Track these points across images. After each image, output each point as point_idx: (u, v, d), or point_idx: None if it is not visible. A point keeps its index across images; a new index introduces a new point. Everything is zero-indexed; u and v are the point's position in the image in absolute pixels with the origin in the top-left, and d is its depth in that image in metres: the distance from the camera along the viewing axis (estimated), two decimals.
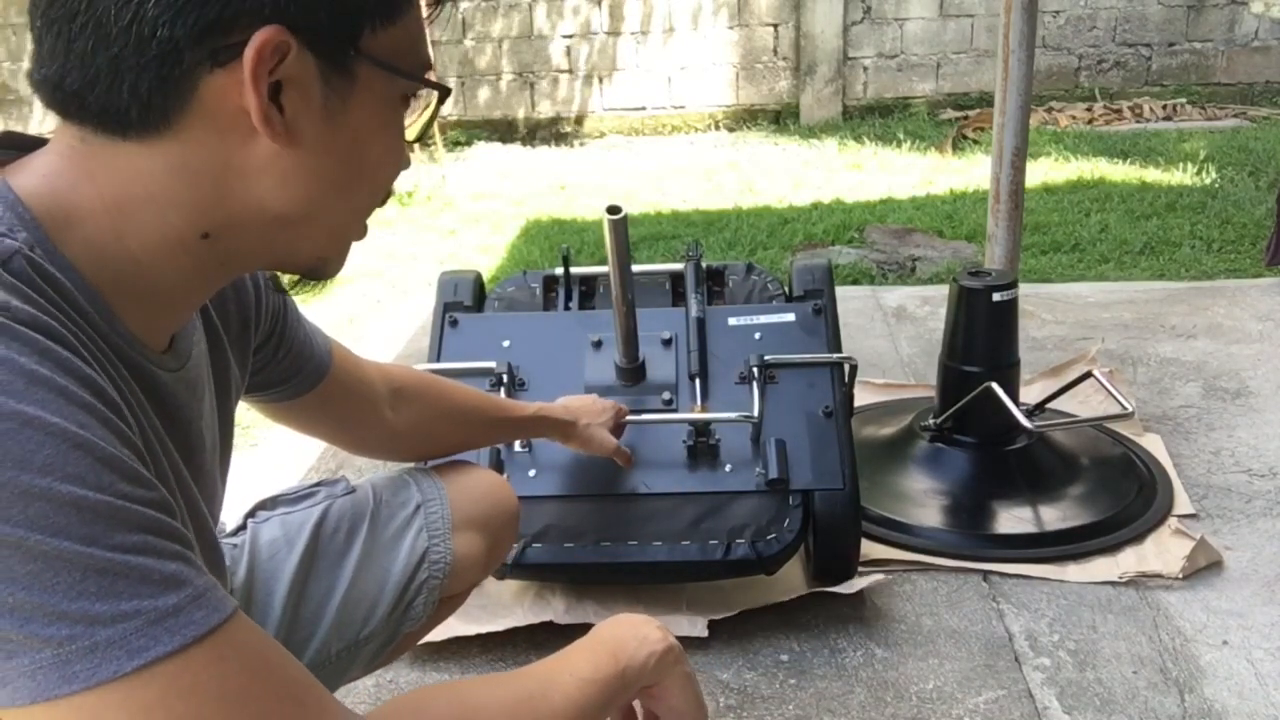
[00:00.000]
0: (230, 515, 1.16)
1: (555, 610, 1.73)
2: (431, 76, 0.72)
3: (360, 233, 0.77)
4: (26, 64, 0.71)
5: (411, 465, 1.32)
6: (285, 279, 0.80)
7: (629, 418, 1.68)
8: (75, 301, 0.65)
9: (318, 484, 1.17)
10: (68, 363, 0.60)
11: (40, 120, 5.85)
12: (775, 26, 6.15)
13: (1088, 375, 2.12)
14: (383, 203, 0.76)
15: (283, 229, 0.71)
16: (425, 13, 0.75)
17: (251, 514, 1.14)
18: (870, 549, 1.86)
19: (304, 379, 1.07)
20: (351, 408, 1.14)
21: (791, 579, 1.80)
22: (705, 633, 1.67)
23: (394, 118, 0.73)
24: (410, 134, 0.76)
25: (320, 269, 0.77)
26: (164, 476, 0.71)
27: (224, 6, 0.62)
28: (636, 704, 0.95)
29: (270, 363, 1.02)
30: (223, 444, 0.90)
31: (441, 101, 0.76)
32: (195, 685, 0.58)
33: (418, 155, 5.27)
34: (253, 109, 0.64)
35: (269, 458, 2.44)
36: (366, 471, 2.27)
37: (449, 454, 1.34)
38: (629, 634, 0.89)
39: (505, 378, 1.77)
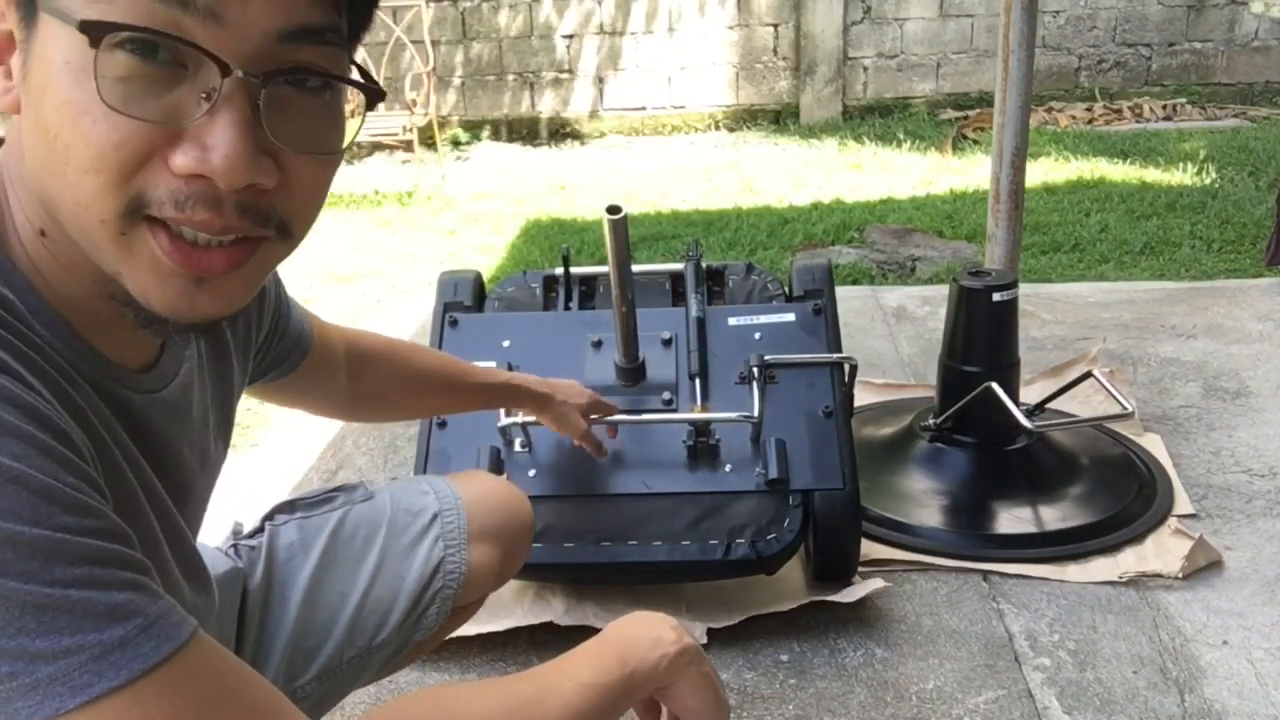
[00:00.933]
0: (225, 518, 1.17)
1: (555, 611, 1.73)
2: (135, 20, 0.58)
3: (94, 212, 0.61)
4: None
5: (430, 474, 1.32)
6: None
7: (628, 417, 1.68)
8: (29, 323, 0.63)
9: (337, 489, 1.17)
10: (4, 391, 0.57)
11: None
12: (775, 26, 6.16)
13: (1088, 375, 2.12)
14: (85, 166, 0.59)
15: (59, 224, 0.63)
16: None
17: (270, 517, 1.14)
18: (870, 549, 1.86)
19: (291, 363, 1.07)
20: (319, 379, 1.14)
21: (792, 583, 1.80)
22: (705, 639, 1.67)
23: (77, 78, 0.58)
24: (345, 139, 0.68)
25: (137, 300, 0.64)
26: (131, 495, 0.69)
27: None
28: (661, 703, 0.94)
29: (268, 354, 1.02)
30: (215, 453, 0.88)
31: (371, 106, 0.65)
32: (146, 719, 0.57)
33: (418, 155, 5.27)
34: None
35: (269, 457, 2.45)
36: (367, 471, 2.27)
37: (411, 417, 1.32)
38: (641, 635, 0.87)
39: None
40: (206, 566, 0.84)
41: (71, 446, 0.60)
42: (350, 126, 0.67)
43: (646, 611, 0.91)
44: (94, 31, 0.57)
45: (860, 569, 1.80)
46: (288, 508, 1.15)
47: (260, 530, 1.12)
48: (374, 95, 0.67)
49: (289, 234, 0.66)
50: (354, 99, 0.67)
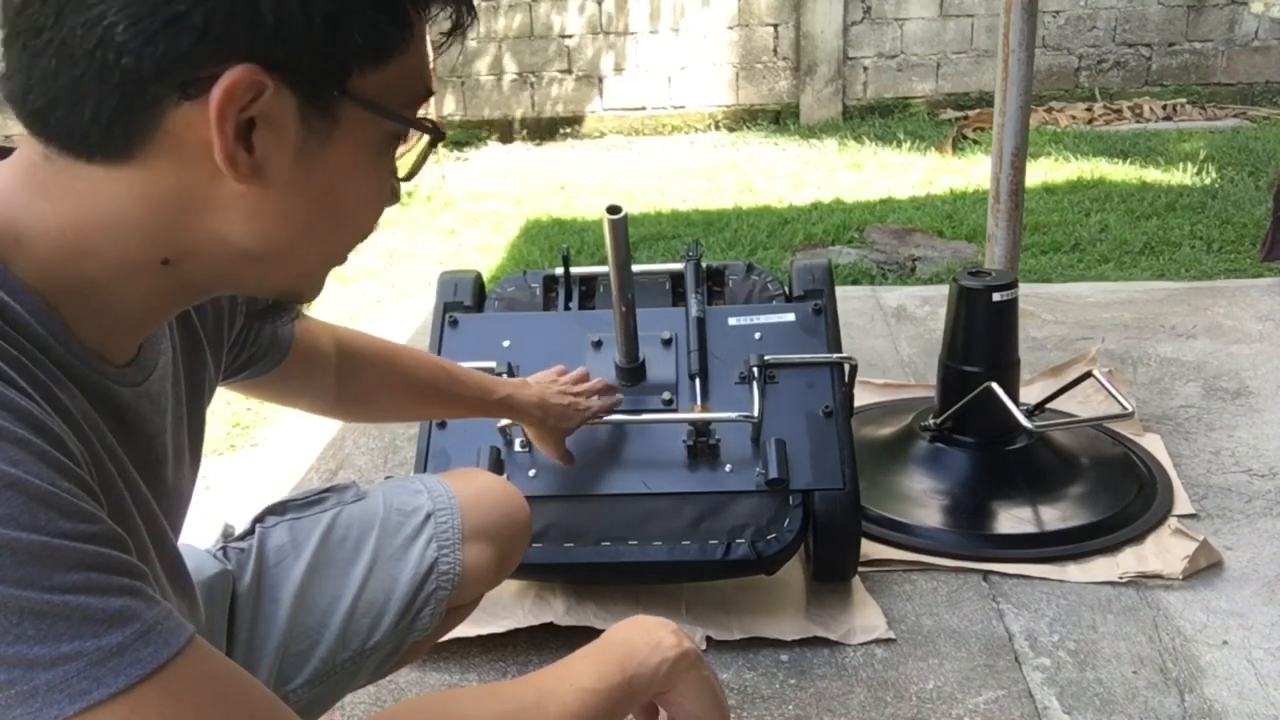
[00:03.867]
0: (226, 518, 1.17)
1: (556, 612, 1.73)
2: (428, 113, 0.68)
3: (340, 263, 0.75)
4: None
5: (424, 473, 1.31)
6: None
7: (629, 417, 1.68)
8: (22, 324, 0.63)
9: (327, 490, 1.16)
10: (1, 397, 0.58)
11: None
12: (775, 26, 6.15)
13: (1088, 375, 2.12)
14: (366, 235, 0.73)
15: (247, 264, 0.68)
16: (431, 46, 0.70)
17: (260, 519, 1.13)
18: (870, 549, 1.86)
19: (270, 359, 1.06)
20: (305, 377, 1.13)
21: (794, 603, 1.80)
22: (704, 645, 1.67)
23: (379, 158, 0.68)
24: (402, 171, 0.72)
25: (292, 299, 0.75)
26: (119, 498, 0.69)
27: (198, 39, 0.58)
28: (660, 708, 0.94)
29: (243, 350, 1.01)
30: (191, 451, 0.88)
31: (434, 143, 0.71)
32: None
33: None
34: (217, 149, 0.60)
35: (269, 458, 2.44)
36: (366, 472, 2.27)
37: (399, 420, 1.32)
38: (641, 639, 0.87)
39: (505, 378, 1.77)
40: (189, 572, 0.84)
41: (66, 452, 0.60)
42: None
43: (646, 616, 0.91)
44: (435, 133, 0.69)
45: (860, 569, 1.80)
46: (278, 509, 1.14)
47: (250, 532, 1.11)
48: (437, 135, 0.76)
49: None
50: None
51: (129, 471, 0.72)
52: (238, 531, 1.13)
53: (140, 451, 0.75)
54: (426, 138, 0.71)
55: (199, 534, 1.12)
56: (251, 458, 2.46)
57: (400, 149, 0.71)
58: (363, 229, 0.72)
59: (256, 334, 1.02)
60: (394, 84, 0.65)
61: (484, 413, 1.45)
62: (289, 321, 1.07)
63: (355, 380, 1.20)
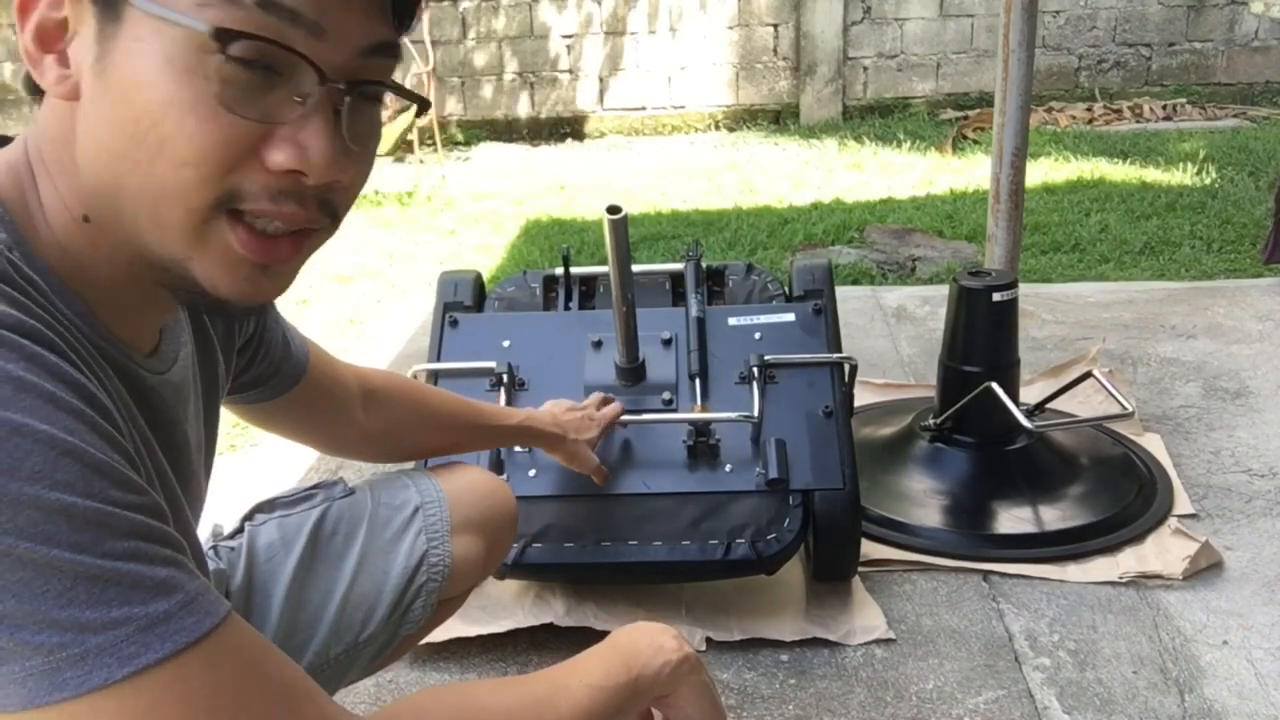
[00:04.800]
0: (227, 518, 1.17)
1: (556, 612, 1.73)
2: (235, 24, 0.61)
3: (191, 207, 0.64)
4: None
5: (410, 467, 1.32)
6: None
7: (628, 417, 1.68)
8: (57, 305, 0.64)
9: (315, 486, 1.16)
10: (56, 368, 0.59)
11: None
12: (775, 26, 6.16)
13: (1088, 375, 2.12)
14: (190, 165, 0.62)
15: (113, 205, 0.65)
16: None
17: (249, 517, 1.13)
18: (870, 549, 1.86)
19: (282, 380, 1.06)
20: (324, 409, 1.14)
21: (793, 603, 1.80)
22: (704, 646, 1.67)
23: (181, 74, 0.61)
24: (383, 147, 0.74)
25: (203, 286, 0.67)
26: (150, 481, 0.70)
27: None
28: (656, 713, 0.95)
29: (252, 363, 1.02)
30: (207, 444, 0.89)
31: (421, 112, 0.72)
32: (188, 691, 0.58)
33: (418, 155, 5.27)
34: (24, 53, 0.63)
35: (269, 458, 2.44)
36: (366, 473, 2.27)
37: (424, 457, 1.33)
38: (645, 642, 0.89)
39: (505, 378, 1.77)
40: (207, 562, 0.85)
41: (114, 424, 0.62)
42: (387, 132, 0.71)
43: (649, 622, 0.92)
44: (224, 38, 0.60)
45: (860, 569, 1.80)
46: (267, 507, 1.14)
47: (239, 531, 1.12)
48: (424, 104, 0.75)
49: (336, 223, 0.73)
50: (391, 104, 0.71)
51: (157, 455, 0.74)
52: (227, 530, 1.13)
53: (165, 439, 0.76)
54: (411, 111, 0.72)
55: (198, 533, 1.12)
56: (252, 458, 2.46)
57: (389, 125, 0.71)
58: (179, 151, 0.62)
59: (268, 348, 1.02)
60: None
61: (503, 439, 1.47)
62: (282, 342, 1.06)
63: (386, 412, 1.21)
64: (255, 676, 0.62)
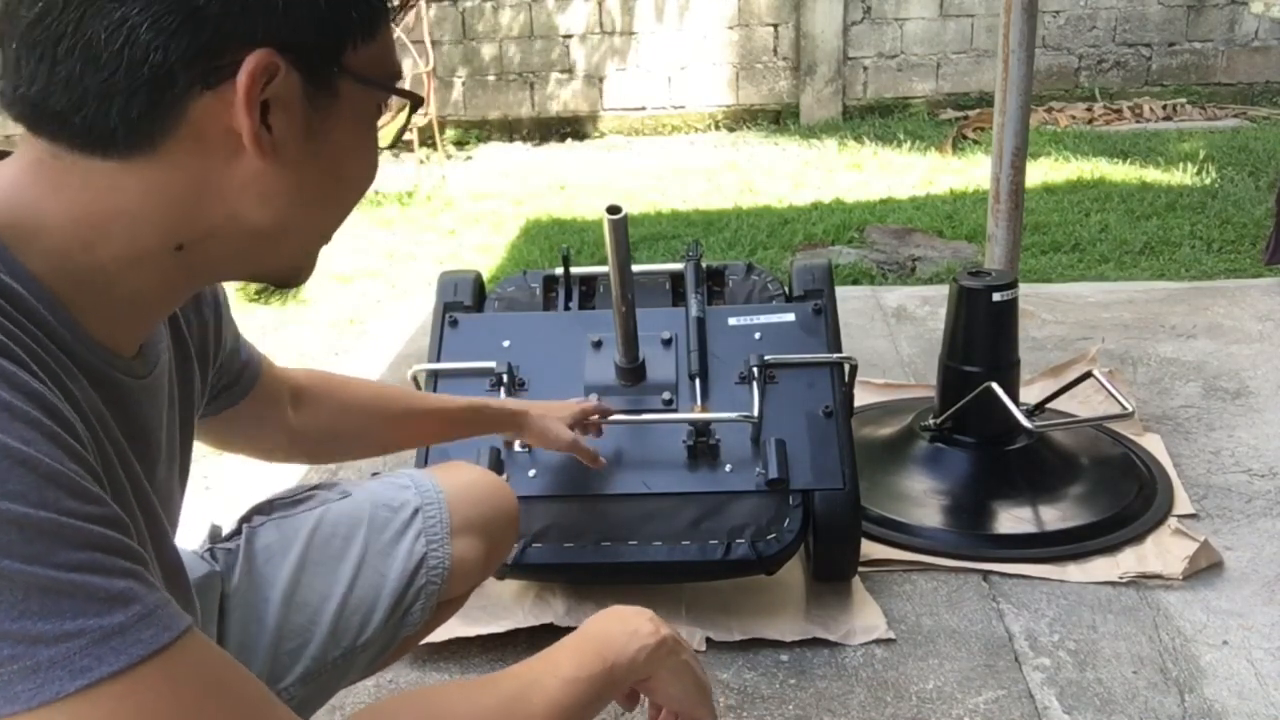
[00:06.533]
0: (226, 519, 1.16)
1: (556, 612, 1.73)
2: (403, 84, 0.73)
3: (329, 240, 0.78)
4: None
5: (411, 468, 1.31)
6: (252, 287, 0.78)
7: (629, 417, 1.68)
8: (34, 313, 0.64)
9: (314, 488, 1.16)
10: (13, 378, 0.59)
11: None
12: (775, 26, 6.16)
13: (1088, 375, 2.12)
14: (354, 206, 0.77)
15: (258, 243, 0.71)
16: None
17: (247, 519, 1.12)
18: (870, 549, 1.86)
19: (240, 388, 1.05)
20: (263, 415, 1.12)
21: (793, 604, 1.80)
22: (704, 646, 1.67)
23: (371, 130, 0.73)
24: (383, 141, 0.76)
25: (291, 278, 0.77)
26: (121, 489, 0.70)
27: (217, 30, 0.62)
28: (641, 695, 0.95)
29: (223, 375, 1.01)
30: (182, 453, 0.88)
31: (414, 110, 0.76)
32: (143, 706, 0.57)
33: (418, 155, 5.27)
34: (245, 131, 0.64)
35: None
36: (366, 473, 2.27)
37: (363, 454, 1.31)
38: (618, 629, 0.88)
39: (505, 378, 1.77)
40: (186, 569, 0.84)
41: (75, 436, 0.61)
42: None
43: (623, 605, 0.92)
44: (416, 100, 0.74)
45: (860, 569, 1.80)
46: (264, 508, 1.13)
47: (237, 532, 1.11)
48: (417, 101, 0.81)
49: None
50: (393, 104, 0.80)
51: (131, 464, 0.73)
52: (225, 532, 1.12)
53: (141, 445, 0.76)
54: (406, 108, 0.78)
55: (195, 535, 1.12)
56: (249, 459, 2.45)
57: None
58: (357, 200, 0.76)
59: (233, 358, 1.02)
60: (377, 58, 0.70)
61: (454, 424, 1.41)
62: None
63: (309, 411, 1.18)
64: (215, 692, 0.61)
